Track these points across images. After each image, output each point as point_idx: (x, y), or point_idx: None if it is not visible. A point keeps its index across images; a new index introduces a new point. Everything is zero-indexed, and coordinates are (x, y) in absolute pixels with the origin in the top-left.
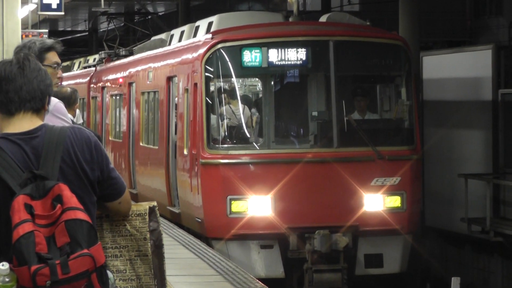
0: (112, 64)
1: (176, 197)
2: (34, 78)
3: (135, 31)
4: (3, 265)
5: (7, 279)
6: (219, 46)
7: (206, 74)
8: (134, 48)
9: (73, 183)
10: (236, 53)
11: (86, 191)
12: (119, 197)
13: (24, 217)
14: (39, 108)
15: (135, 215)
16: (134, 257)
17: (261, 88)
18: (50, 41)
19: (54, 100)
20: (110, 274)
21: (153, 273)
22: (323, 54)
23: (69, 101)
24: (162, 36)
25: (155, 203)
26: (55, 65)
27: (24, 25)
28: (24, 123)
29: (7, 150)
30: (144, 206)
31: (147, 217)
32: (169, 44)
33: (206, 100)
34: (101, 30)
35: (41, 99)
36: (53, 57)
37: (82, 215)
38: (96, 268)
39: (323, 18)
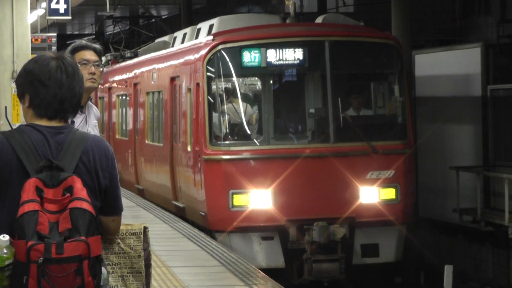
0: (118, 65)
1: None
2: (78, 92)
3: (140, 34)
4: (3, 236)
5: (5, 250)
6: (220, 47)
7: (208, 74)
8: (138, 50)
9: (86, 182)
10: (236, 54)
11: (95, 194)
12: (116, 214)
13: (32, 197)
14: (72, 116)
15: (129, 234)
16: (127, 273)
17: (260, 87)
18: (79, 42)
19: None
20: (104, 270)
21: None
22: (319, 53)
23: None
24: (166, 38)
25: (147, 225)
26: (84, 62)
27: (34, 30)
28: (54, 124)
29: (31, 136)
30: (139, 226)
31: (142, 236)
32: (172, 46)
33: (208, 99)
34: (107, 33)
35: (76, 110)
36: (82, 55)
37: (87, 206)
38: (90, 257)
39: (319, 19)
